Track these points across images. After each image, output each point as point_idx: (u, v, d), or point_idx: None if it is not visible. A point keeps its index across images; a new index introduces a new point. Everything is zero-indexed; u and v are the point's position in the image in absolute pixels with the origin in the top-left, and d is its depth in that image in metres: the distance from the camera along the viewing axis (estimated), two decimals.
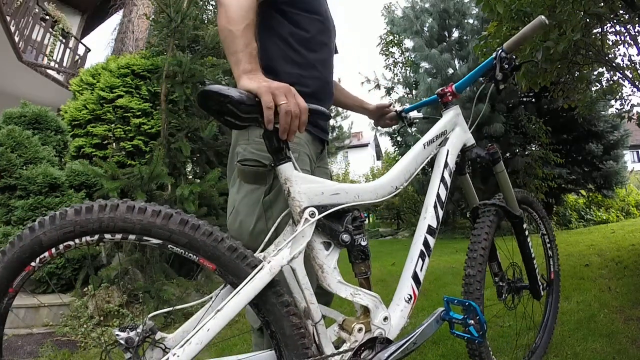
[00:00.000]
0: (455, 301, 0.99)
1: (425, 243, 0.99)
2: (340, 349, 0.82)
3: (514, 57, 1.12)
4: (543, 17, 1.04)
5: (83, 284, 2.88)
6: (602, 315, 1.95)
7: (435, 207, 1.02)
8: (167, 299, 2.57)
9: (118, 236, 0.67)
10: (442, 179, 1.05)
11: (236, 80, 0.79)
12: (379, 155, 21.92)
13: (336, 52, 1.28)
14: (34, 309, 2.71)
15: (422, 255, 0.97)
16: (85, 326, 2.50)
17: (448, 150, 1.08)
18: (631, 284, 2.44)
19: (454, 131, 1.13)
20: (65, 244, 0.64)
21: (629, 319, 1.88)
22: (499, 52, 1.11)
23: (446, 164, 1.06)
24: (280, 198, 0.93)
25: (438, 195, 1.03)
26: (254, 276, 0.71)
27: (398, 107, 1.41)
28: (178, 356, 0.65)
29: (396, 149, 9.37)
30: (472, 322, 0.94)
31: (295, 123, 0.74)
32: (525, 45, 2.77)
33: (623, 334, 1.69)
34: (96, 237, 0.66)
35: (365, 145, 21.61)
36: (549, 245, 1.48)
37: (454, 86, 1.16)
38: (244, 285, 0.71)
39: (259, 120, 0.74)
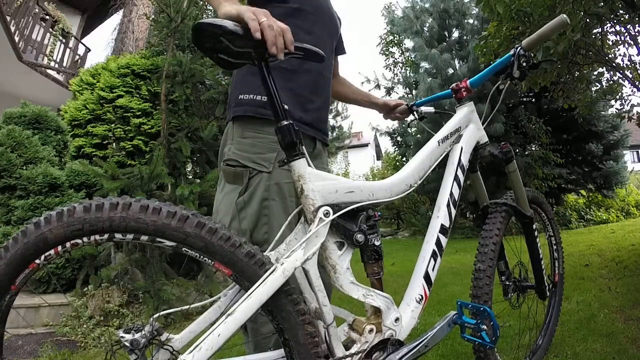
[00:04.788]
0: (470, 306, 0.97)
1: (438, 243, 0.96)
2: (352, 351, 0.80)
3: (532, 55, 1.10)
4: (565, 15, 1.01)
5: (83, 284, 2.88)
6: (602, 315, 1.95)
7: (448, 205, 1.00)
8: (167, 299, 2.57)
9: (129, 236, 0.63)
10: (456, 177, 1.02)
11: (217, 9, 0.78)
12: (379, 155, 21.90)
13: (343, 52, 1.27)
14: (34, 308, 2.71)
15: (434, 255, 0.95)
16: (85, 326, 2.50)
17: (462, 148, 1.05)
18: (631, 284, 2.44)
19: (468, 128, 1.10)
20: (72, 241, 0.61)
21: (629, 319, 1.88)
22: (518, 49, 1.08)
23: (459, 162, 1.04)
24: (254, 199, 0.92)
25: (451, 194, 1.01)
26: (266, 278, 0.69)
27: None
28: None
29: (396, 149, 9.38)
30: (484, 327, 0.92)
31: (281, 40, 0.71)
32: None
33: (623, 334, 1.70)
34: (106, 236, 0.62)
35: (365, 145, 21.59)
36: (555, 247, 1.47)
37: (468, 82, 1.13)
38: (256, 288, 0.68)
39: (252, 56, 0.72)
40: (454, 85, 1.15)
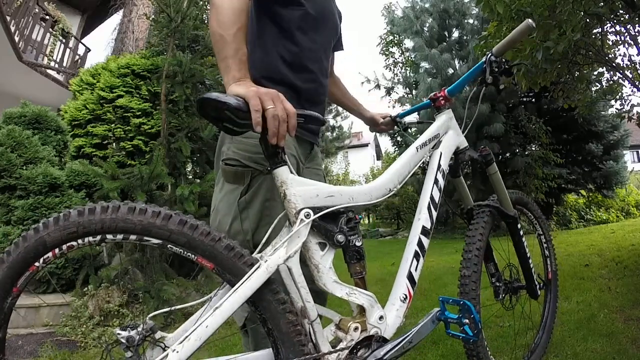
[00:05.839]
0: (450, 301, 1.00)
1: (420, 244, 1.00)
2: (337, 347, 0.83)
3: (504, 60, 1.14)
4: (530, 20, 1.06)
5: (83, 284, 2.88)
6: (602, 315, 1.95)
7: (429, 208, 1.04)
8: (167, 299, 2.58)
9: (120, 236, 0.68)
10: (436, 181, 1.07)
11: (225, 86, 0.81)
12: (379, 155, 21.94)
13: (341, 48, 1.28)
14: (34, 308, 2.71)
15: (416, 256, 0.99)
16: (85, 326, 2.51)
17: (441, 153, 1.10)
18: (631, 284, 2.44)
19: (447, 134, 1.15)
20: (68, 244, 0.66)
21: (629, 319, 1.88)
22: (489, 56, 1.14)
23: (439, 166, 1.08)
24: (257, 199, 0.94)
25: (432, 197, 1.05)
26: (251, 274, 0.73)
27: (393, 113, 1.44)
28: (177, 352, 0.67)
29: (396, 149, 9.38)
30: (466, 321, 0.94)
31: (284, 127, 0.75)
32: (525, 45, 2.77)
33: (623, 334, 1.69)
34: (98, 237, 0.67)
35: (365, 145, 21.62)
36: (545, 245, 1.49)
37: (446, 90, 1.18)
38: (242, 284, 0.72)
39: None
40: (432, 94, 1.20)
